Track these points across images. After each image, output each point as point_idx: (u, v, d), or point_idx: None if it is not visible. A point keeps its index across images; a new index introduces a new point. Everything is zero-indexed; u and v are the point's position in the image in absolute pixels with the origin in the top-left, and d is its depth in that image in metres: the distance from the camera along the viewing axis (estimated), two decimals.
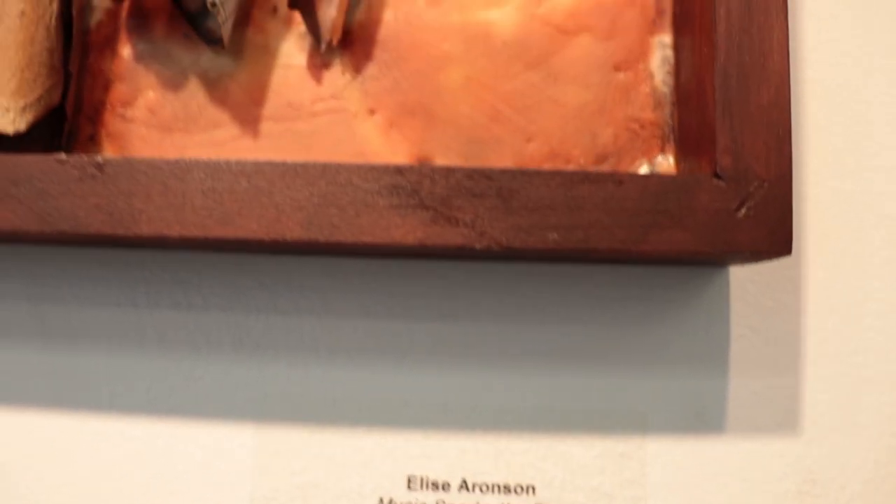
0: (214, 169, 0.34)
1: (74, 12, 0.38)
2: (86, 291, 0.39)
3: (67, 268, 0.39)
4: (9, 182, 0.35)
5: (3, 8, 0.37)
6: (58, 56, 0.38)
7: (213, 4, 0.36)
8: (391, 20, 0.39)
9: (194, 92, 0.39)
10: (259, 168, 0.34)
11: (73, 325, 0.39)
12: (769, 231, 0.34)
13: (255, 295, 0.39)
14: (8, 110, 0.37)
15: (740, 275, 0.40)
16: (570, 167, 0.38)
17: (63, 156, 0.35)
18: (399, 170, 0.34)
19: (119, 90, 0.40)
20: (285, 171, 0.34)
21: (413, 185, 0.34)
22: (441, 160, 0.38)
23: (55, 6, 0.37)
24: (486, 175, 0.34)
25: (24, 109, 0.37)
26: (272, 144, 0.38)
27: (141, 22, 0.40)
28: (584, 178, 0.34)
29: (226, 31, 0.37)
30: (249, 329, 0.39)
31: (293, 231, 0.33)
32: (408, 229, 0.33)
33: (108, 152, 0.39)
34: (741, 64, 0.34)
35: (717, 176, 0.34)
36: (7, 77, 0.37)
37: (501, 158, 0.38)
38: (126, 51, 0.40)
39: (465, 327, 0.39)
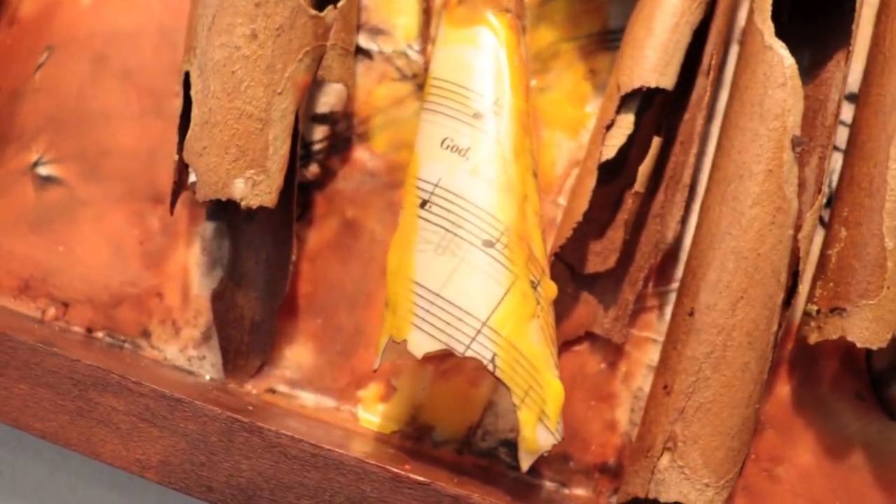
0: None
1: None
2: None
3: None
4: None
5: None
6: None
7: None
8: None
9: (857, 466, 0.33)
10: None
11: None
12: None
13: None
14: (707, 487, 0.29)
15: None
16: None
17: None
18: None
19: (770, 439, 0.33)
20: None
21: None
22: None
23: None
24: None
25: (721, 488, 0.30)
26: None
27: (808, 362, 0.33)
28: None
29: None
30: None
31: None
32: None
33: None
34: None
35: None
36: (714, 445, 0.29)
37: None
38: (784, 391, 0.33)
39: None
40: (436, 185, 0.30)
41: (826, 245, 0.32)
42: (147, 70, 0.35)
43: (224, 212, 0.34)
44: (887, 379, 0.33)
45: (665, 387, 0.30)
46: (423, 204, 0.30)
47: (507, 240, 0.29)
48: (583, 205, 0.31)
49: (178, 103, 0.32)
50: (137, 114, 0.35)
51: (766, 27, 0.31)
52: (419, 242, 0.29)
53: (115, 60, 0.35)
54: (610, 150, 0.31)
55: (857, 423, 0.33)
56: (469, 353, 0.28)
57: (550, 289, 0.30)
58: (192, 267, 0.34)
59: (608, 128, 0.31)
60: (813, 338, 0.31)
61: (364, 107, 0.34)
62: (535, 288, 0.29)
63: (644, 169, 0.31)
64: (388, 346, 0.29)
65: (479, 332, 0.28)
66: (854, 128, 0.32)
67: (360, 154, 0.34)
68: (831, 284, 0.31)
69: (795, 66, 0.30)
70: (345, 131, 0.34)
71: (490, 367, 0.28)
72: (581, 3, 0.34)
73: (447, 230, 0.29)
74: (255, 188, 0.30)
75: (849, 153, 0.32)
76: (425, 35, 0.33)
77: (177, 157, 0.32)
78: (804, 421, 0.33)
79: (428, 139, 0.31)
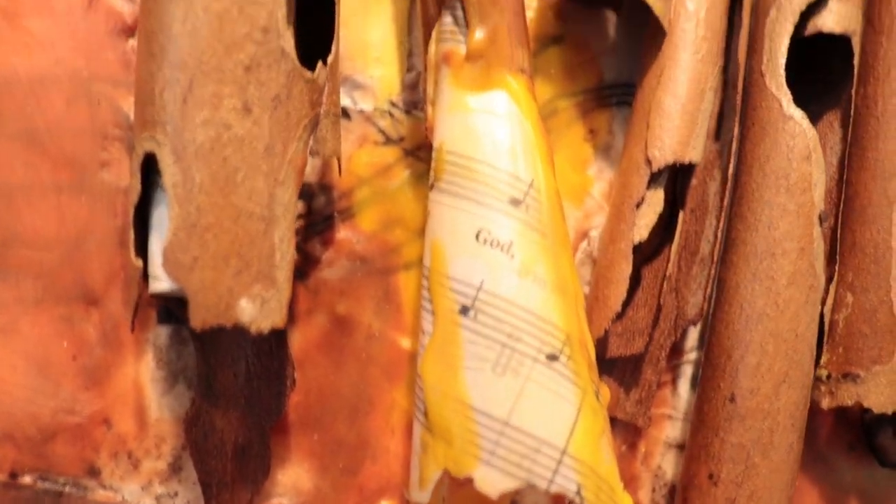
0: None
1: None
2: None
3: None
4: None
5: None
6: None
7: None
8: None
9: None
10: None
11: None
12: None
13: None
14: None
15: None
16: None
17: None
18: None
19: None
20: None
21: None
22: None
23: None
24: None
25: None
26: None
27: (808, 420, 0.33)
28: None
29: None
30: None
31: None
32: None
33: None
34: None
35: None
36: None
37: None
38: None
39: None
40: (479, 289, 0.26)
41: (831, 310, 0.32)
42: (59, 131, 0.27)
43: (181, 312, 0.28)
44: (877, 427, 0.34)
45: (710, 476, 0.29)
46: (465, 311, 0.26)
47: (570, 350, 0.26)
48: (620, 293, 0.28)
49: (108, 176, 0.25)
50: (52, 189, 0.27)
51: (783, 94, 0.30)
52: (468, 359, 0.25)
53: (11, 117, 0.27)
54: (643, 231, 0.29)
55: (851, 474, 0.34)
56: (553, 489, 0.25)
57: (606, 395, 0.27)
58: (145, 384, 0.28)
59: (638, 205, 0.29)
60: (826, 403, 0.31)
61: (345, 176, 0.29)
62: (597, 398, 0.26)
63: (675, 248, 0.29)
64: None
65: (559, 462, 0.25)
66: (849, 191, 0.32)
67: (344, 234, 0.29)
68: (841, 349, 0.31)
69: (817, 137, 0.29)
70: (324, 207, 0.29)
71: (577, 501, 0.25)
72: (574, 54, 0.31)
73: (504, 345, 0.25)
74: (265, 307, 0.25)
75: (847, 217, 0.32)
76: (414, 89, 0.29)
77: (137, 260, 0.25)
78: (808, 481, 0.33)
79: (455, 229, 0.26)
